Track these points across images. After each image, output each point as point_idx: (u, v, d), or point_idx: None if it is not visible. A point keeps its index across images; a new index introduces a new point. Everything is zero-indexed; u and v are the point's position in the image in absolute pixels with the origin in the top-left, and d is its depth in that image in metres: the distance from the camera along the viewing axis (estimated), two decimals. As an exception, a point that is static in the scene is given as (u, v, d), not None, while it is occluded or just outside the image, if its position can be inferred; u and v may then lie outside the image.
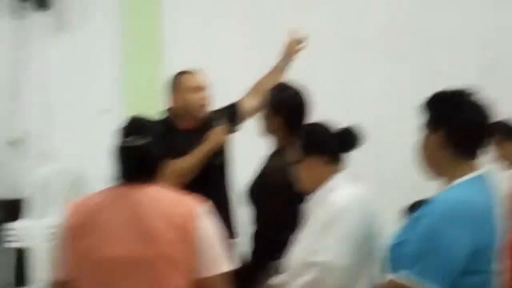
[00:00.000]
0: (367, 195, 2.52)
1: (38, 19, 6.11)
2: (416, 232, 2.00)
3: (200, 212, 2.14)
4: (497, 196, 2.13)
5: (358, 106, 4.69)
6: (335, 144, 2.49)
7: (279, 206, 2.78)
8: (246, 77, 4.70)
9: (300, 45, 3.54)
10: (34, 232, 5.72)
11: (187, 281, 2.10)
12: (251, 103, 3.56)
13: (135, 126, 2.21)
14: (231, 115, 3.52)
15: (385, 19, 4.95)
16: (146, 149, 2.15)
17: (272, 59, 5.03)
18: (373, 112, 4.53)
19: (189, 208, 2.14)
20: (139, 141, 2.13)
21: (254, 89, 3.65)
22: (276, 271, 2.63)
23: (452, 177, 2.11)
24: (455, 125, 2.09)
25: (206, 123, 3.33)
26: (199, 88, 3.32)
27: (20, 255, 5.76)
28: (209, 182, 3.14)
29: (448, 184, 2.11)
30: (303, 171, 2.50)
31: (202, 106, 3.31)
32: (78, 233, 2.13)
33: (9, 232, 5.74)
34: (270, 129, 2.96)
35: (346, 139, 2.49)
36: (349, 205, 2.36)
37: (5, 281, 5.78)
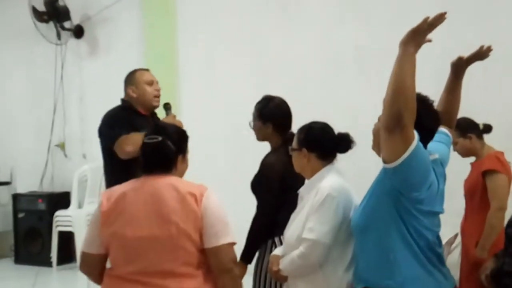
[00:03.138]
0: (349, 186, 2.30)
1: (74, 45, 6.01)
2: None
3: (208, 195, 2.02)
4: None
5: (336, 115, 4.47)
6: (330, 144, 2.32)
7: (271, 194, 2.61)
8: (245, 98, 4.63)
9: None
10: (76, 219, 5.60)
11: (200, 253, 2.00)
12: None
13: (156, 129, 2.12)
14: None
15: (359, 42, 4.68)
16: (161, 145, 2.03)
17: (262, 74, 5.00)
18: (350, 119, 4.33)
19: (199, 191, 2.01)
20: (156, 139, 2.03)
21: None
22: (272, 247, 2.54)
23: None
24: None
25: (154, 112, 3.20)
26: (153, 82, 3.16)
27: (66, 238, 5.66)
28: None
29: None
30: (299, 160, 2.34)
31: (156, 96, 3.14)
32: (108, 217, 2.01)
33: (57, 219, 5.65)
34: (264, 135, 2.77)
35: (341, 143, 2.32)
36: (335, 193, 2.18)
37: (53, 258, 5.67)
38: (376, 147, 2.07)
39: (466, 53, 4.49)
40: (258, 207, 2.68)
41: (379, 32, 4.66)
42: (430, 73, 4.43)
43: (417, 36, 1.82)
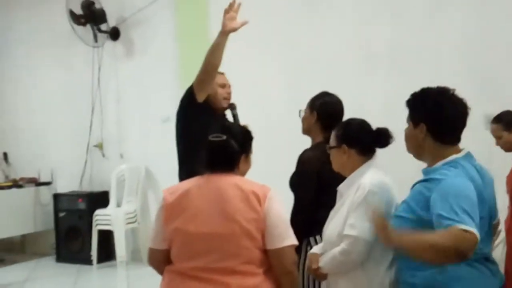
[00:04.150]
0: (390, 182, 2.27)
1: (111, 47, 6.07)
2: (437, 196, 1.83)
3: (271, 196, 2.02)
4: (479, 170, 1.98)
5: (370, 112, 4.38)
6: (368, 140, 2.29)
7: (308, 190, 2.59)
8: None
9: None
10: (115, 218, 5.68)
11: (261, 252, 2.00)
12: None
13: (222, 128, 2.14)
14: None
15: (392, 37, 4.62)
16: (225, 144, 2.06)
17: (293, 71, 4.98)
18: (381, 116, 4.24)
19: (263, 192, 2.01)
20: (220, 138, 2.06)
21: None
22: (310, 245, 2.49)
23: (433, 161, 1.98)
24: (434, 120, 1.95)
25: (224, 113, 3.35)
26: (225, 85, 3.29)
27: (105, 236, 5.73)
28: None
29: (430, 165, 1.99)
30: (339, 158, 2.31)
31: (226, 98, 3.28)
32: (172, 212, 2.03)
33: (96, 218, 5.72)
34: (308, 125, 2.77)
35: (380, 138, 2.28)
36: (376, 189, 2.14)
37: (93, 257, 5.77)
38: (411, 150, 2.05)
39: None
40: (295, 203, 2.65)
41: (412, 27, 4.58)
42: (464, 66, 4.37)
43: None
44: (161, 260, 2.11)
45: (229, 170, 2.08)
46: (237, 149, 2.09)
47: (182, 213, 2.02)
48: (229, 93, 3.27)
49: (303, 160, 2.65)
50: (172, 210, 2.04)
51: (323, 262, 2.22)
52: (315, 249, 2.35)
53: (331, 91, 2.84)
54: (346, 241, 2.13)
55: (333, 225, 2.25)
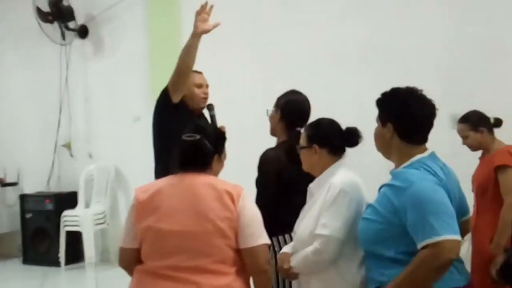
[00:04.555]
0: (359, 180, 2.26)
1: (79, 45, 5.99)
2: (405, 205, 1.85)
3: (244, 195, 2.04)
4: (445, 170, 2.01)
5: (341, 110, 4.40)
6: (338, 139, 2.30)
7: (267, 189, 2.60)
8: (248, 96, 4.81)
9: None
10: (83, 219, 5.60)
11: (233, 251, 2.01)
12: None
13: (195, 128, 2.13)
14: None
15: (363, 36, 4.63)
16: (198, 143, 2.06)
17: (265, 70, 4.96)
18: (354, 114, 4.28)
19: (236, 191, 2.02)
20: (194, 137, 2.06)
21: None
22: (273, 245, 2.49)
23: (399, 160, 2.00)
24: (401, 120, 1.98)
25: (202, 113, 3.31)
26: (202, 85, 3.22)
27: (73, 237, 5.65)
28: None
29: (396, 166, 2.01)
30: (309, 158, 2.30)
31: (204, 99, 3.23)
32: (143, 210, 2.02)
33: (64, 219, 5.64)
34: (274, 124, 2.75)
35: (349, 137, 2.29)
36: (347, 188, 2.15)
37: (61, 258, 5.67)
38: (380, 149, 2.08)
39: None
40: (255, 203, 2.65)
41: (383, 26, 4.62)
42: (432, 66, 4.44)
43: None
44: (131, 260, 2.07)
45: (202, 170, 2.07)
46: (210, 149, 2.09)
47: (154, 211, 2.00)
48: (206, 93, 3.22)
49: (263, 160, 2.66)
50: (143, 208, 2.02)
51: (295, 262, 2.22)
52: (285, 249, 2.34)
53: (302, 89, 2.83)
54: (319, 240, 2.13)
55: (304, 224, 2.24)
